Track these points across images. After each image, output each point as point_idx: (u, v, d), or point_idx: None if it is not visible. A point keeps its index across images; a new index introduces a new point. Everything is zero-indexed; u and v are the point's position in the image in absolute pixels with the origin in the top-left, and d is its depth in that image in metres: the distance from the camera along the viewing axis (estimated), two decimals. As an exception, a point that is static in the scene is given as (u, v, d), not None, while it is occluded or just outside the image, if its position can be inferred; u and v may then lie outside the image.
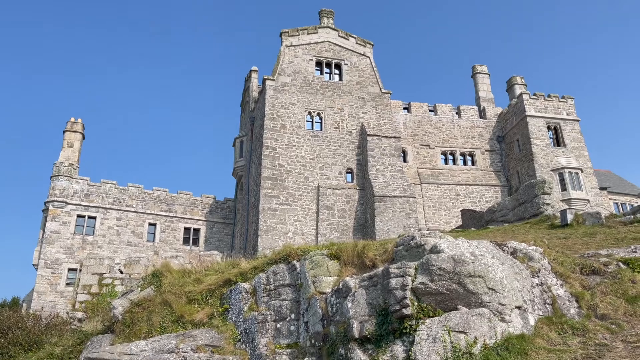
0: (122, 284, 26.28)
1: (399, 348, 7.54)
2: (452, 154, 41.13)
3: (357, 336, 8.10)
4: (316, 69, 37.30)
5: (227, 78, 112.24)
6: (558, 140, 39.33)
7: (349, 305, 8.52)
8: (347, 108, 36.36)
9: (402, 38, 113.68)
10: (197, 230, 40.57)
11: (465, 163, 41.10)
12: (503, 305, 7.61)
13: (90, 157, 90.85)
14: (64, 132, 40.58)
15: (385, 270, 8.24)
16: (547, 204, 24.78)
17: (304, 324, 9.95)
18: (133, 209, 38.74)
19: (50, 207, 36.23)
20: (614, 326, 7.98)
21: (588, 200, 36.11)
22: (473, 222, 28.90)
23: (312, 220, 32.84)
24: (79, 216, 37.09)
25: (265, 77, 35.88)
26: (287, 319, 10.34)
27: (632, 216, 16.48)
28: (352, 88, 37.17)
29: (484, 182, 40.04)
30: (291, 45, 37.26)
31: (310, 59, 37.25)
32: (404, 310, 7.63)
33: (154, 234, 39.01)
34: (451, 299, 7.65)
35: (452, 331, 7.23)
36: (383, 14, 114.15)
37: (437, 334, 7.21)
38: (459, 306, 7.63)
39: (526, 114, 39.22)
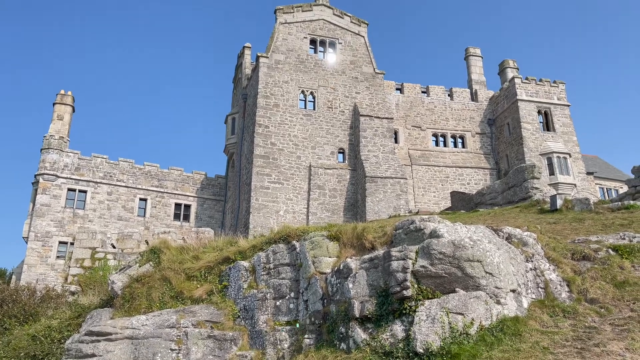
0: (115, 259, 26.44)
1: (398, 328, 7.86)
2: (443, 136, 41.47)
3: (357, 315, 8.41)
4: (310, 47, 37.13)
5: (219, 53, 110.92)
6: (548, 125, 39.81)
7: (350, 285, 8.81)
8: (341, 87, 36.36)
9: (396, 18, 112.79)
10: (187, 207, 40.68)
11: (455, 145, 41.51)
12: (499, 288, 7.95)
13: (81, 131, 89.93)
14: (54, 104, 40.08)
15: (386, 253, 8.51)
16: (536, 188, 25.26)
17: (304, 302, 10.24)
18: (124, 184, 38.66)
19: (41, 180, 36.02)
20: (602, 310, 8.37)
21: (575, 185, 36.80)
22: (462, 205, 29.36)
23: (303, 199, 33.11)
24: (69, 190, 36.96)
25: (259, 55, 35.66)
26: (287, 297, 10.63)
27: (619, 203, 16.95)
28: (346, 67, 37.11)
29: (474, 164, 40.53)
30: (285, 23, 36.95)
31: (304, 37, 37.03)
32: (405, 292, 7.94)
33: (145, 209, 39.06)
34: (450, 282, 7.97)
35: (450, 312, 7.56)
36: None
37: (436, 315, 7.54)
38: (457, 289, 7.95)
39: (517, 97, 39.56)
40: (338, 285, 9.31)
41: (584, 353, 7.07)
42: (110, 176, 38.62)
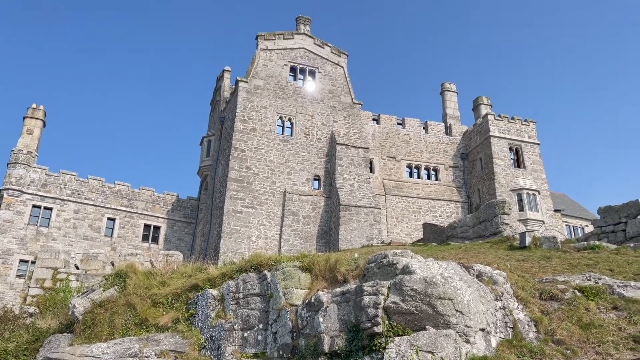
0: (78, 280, 25.60)
1: (367, 365, 7.76)
2: (417, 167, 42.02)
3: (327, 351, 8.28)
4: (290, 75, 37.47)
5: (197, 74, 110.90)
6: (518, 162, 40.79)
7: (321, 319, 8.69)
8: (318, 115, 36.65)
9: (375, 50, 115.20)
10: (157, 228, 39.92)
11: (429, 177, 42.06)
12: (469, 327, 7.95)
13: (50, 146, 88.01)
14: (24, 118, 39.24)
15: (359, 287, 8.45)
16: (506, 223, 25.70)
17: (272, 334, 10.05)
18: (92, 202, 37.80)
19: (5, 195, 34.92)
20: (568, 352, 8.44)
21: (543, 222, 37.57)
22: (434, 237, 29.60)
23: (276, 225, 32.89)
24: (34, 206, 35.92)
25: (239, 79, 35.78)
26: (255, 329, 10.41)
27: (585, 242, 17.33)
28: (325, 96, 37.51)
29: (446, 197, 41.06)
30: (267, 49, 37.30)
31: (284, 64, 37.38)
32: (375, 328, 7.87)
33: (113, 229, 38.17)
34: (420, 319, 7.94)
35: (420, 350, 7.50)
36: (358, 26, 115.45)
37: (406, 353, 7.47)
38: (427, 326, 7.92)
39: (490, 134, 40.51)
40: (308, 318, 9.18)
41: (551, 396, 7.08)
42: (78, 194, 37.72)
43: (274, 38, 37.86)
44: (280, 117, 35.84)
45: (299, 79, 37.64)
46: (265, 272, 10.98)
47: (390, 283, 8.23)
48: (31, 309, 23.20)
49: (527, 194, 38.39)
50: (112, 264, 27.18)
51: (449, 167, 42.65)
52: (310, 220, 33.45)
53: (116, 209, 38.42)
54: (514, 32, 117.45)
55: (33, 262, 32.71)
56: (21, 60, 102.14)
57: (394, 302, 7.95)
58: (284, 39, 38.17)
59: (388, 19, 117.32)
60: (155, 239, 39.29)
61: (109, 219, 38.08)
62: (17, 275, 33.39)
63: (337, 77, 38.59)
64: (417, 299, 7.90)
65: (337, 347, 8.18)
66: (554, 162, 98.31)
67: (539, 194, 38.96)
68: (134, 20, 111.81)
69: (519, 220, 36.61)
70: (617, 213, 19.56)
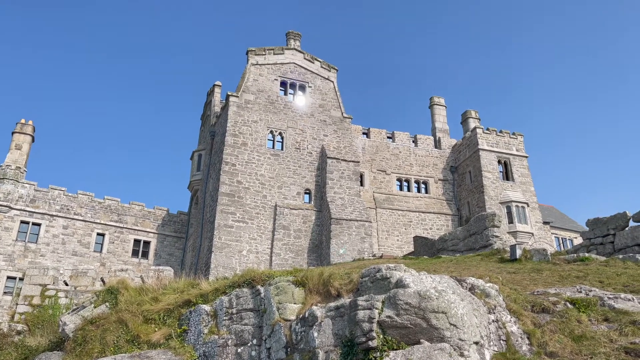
0: (67, 297, 25.25)
1: (362, 379, 7.76)
2: (407, 180, 42.25)
3: (322, 366, 8.28)
4: (280, 89, 37.69)
5: (187, 89, 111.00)
6: (507, 175, 41.20)
7: (315, 334, 8.69)
8: (309, 130, 36.82)
9: (364, 64, 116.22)
10: (147, 243, 39.63)
11: (419, 190, 42.28)
12: (463, 340, 8.00)
13: (39, 162, 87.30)
14: (13, 133, 38.98)
15: (353, 302, 8.48)
16: (496, 236, 25.90)
17: (266, 350, 10.01)
18: (81, 218, 37.47)
19: (-8, 211, 34.51)
20: (561, 364, 8.51)
21: (532, 234, 37.86)
22: (425, 250, 29.71)
23: (267, 239, 32.82)
24: (22, 222, 35.53)
25: (229, 93, 35.90)
26: (249, 344, 10.37)
27: (574, 254, 17.52)
28: (315, 110, 37.72)
29: (436, 210, 41.28)
30: (257, 64, 37.52)
31: (275, 79, 37.60)
32: (370, 343, 7.88)
33: (102, 244, 37.84)
34: (415, 332, 7.97)
35: (415, 365, 7.53)
36: (347, 41, 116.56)
37: (401, 367, 7.49)
38: (421, 340, 7.95)
39: (479, 147, 40.92)
40: (303, 333, 9.17)
41: (545, 408, 7.12)
42: (68, 209, 37.40)
43: (264, 53, 38.11)
44: (271, 132, 35.96)
45: (290, 93, 37.86)
46: (259, 287, 10.97)
47: (385, 297, 8.27)
48: (19, 327, 22.81)
49: (516, 206, 38.72)
50: (102, 280, 26.86)
51: (439, 180, 42.94)
52: (301, 234, 33.42)
53: (106, 224, 38.11)
54: (501, 46, 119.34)
55: (21, 279, 32.24)
56: (9, 74, 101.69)
57: (389, 316, 7.98)
58: (275, 54, 38.44)
59: (377, 33, 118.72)
60: (145, 254, 38.97)
61: (98, 234, 37.75)
62: (5, 292, 32.88)
63: (327, 91, 38.87)
64: (412, 313, 7.94)
65: (332, 362, 8.18)
66: (542, 174, 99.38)
67: (528, 206, 39.32)
68: (124, 35, 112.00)
69: (509, 233, 36.89)
70: (605, 225, 19.80)
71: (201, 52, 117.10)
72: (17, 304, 25.98)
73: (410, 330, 8.00)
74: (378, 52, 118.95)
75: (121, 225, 38.68)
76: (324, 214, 34.03)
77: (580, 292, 11.16)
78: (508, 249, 19.94)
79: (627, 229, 18.93)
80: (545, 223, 41.47)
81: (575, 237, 44.37)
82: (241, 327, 10.70)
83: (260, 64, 37.62)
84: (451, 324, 7.99)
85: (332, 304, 9.02)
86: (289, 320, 9.80)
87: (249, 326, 10.60)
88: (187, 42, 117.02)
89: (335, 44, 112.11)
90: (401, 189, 41.90)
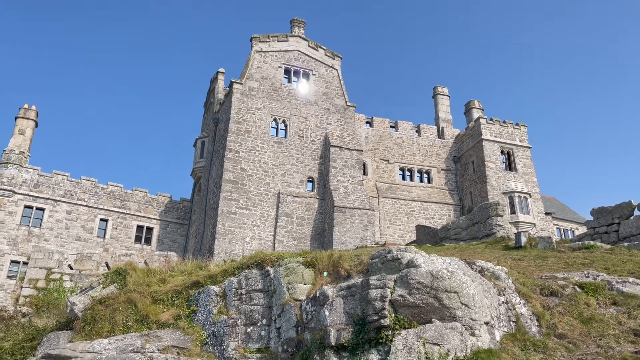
0: (72, 280, 25.38)
1: (374, 357, 7.83)
2: (410, 170, 42.24)
3: (333, 344, 8.34)
4: (284, 77, 37.56)
5: (190, 76, 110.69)
6: (510, 165, 41.17)
7: (327, 313, 8.76)
8: (312, 118, 36.75)
9: (368, 53, 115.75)
10: (150, 229, 39.71)
11: (421, 180, 42.28)
12: (474, 320, 8.06)
13: (43, 147, 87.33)
14: (16, 118, 38.91)
15: (365, 281, 8.53)
16: (500, 225, 25.94)
17: (276, 329, 10.09)
18: (85, 203, 37.52)
19: (-4, 196, 34.55)
20: (571, 345, 8.59)
21: (534, 225, 37.91)
22: (427, 238, 29.77)
23: (270, 226, 32.88)
24: (26, 207, 35.58)
25: (233, 80, 35.79)
26: (259, 324, 10.44)
27: (579, 242, 17.59)
28: (319, 98, 37.62)
29: (439, 199, 41.30)
30: (261, 51, 37.36)
31: (279, 66, 37.46)
32: (382, 321, 7.95)
33: (105, 230, 37.92)
34: (426, 312, 8.03)
35: (426, 343, 7.60)
36: (351, 30, 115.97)
37: (413, 345, 7.56)
38: (433, 319, 8.02)
39: (482, 137, 40.85)
40: (313, 312, 9.24)
41: (556, 386, 7.20)
42: (71, 194, 37.43)
43: (268, 40, 37.94)
44: (275, 119, 35.90)
45: (293, 81, 37.73)
46: (268, 268, 11.03)
47: (397, 277, 8.32)
48: (24, 309, 22.95)
49: (519, 196, 38.74)
50: (107, 265, 26.98)
51: (442, 170, 42.92)
52: (304, 222, 33.49)
53: (109, 210, 38.17)
54: (505, 36, 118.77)
55: (25, 263, 32.39)
56: (12, 60, 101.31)
57: (401, 295, 8.04)
58: (279, 41, 38.26)
59: (381, 22, 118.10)
60: (148, 240, 39.06)
61: (101, 219, 37.83)
62: (8, 276, 33.00)
63: (331, 79, 38.74)
64: (424, 292, 8.00)
65: (343, 340, 8.25)
66: (544, 165, 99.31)
67: (530, 197, 39.33)
68: (127, 22, 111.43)
69: (511, 223, 36.87)
70: (610, 214, 19.85)
71: (204, 39, 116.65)
72: (21, 287, 26.13)
73: (422, 310, 8.06)
74: (381, 41, 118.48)
75: (124, 211, 38.75)
76: (326, 202, 34.07)
77: (588, 277, 11.22)
78: (513, 236, 19.99)
79: (632, 217, 18.97)
80: (547, 214, 41.52)
81: (577, 229, 44.47)
82: (250, 307, 10.77)
83: (264, 51, 37.46)
84: (463, 304, 8.05)
85: (344, 284, 9.08)
86: (299, 300, 9.87)
87: (258, 306, 10.67)
88: (190, 29, 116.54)
89: (338, 33, 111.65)
90: (404, 178, 41.90)
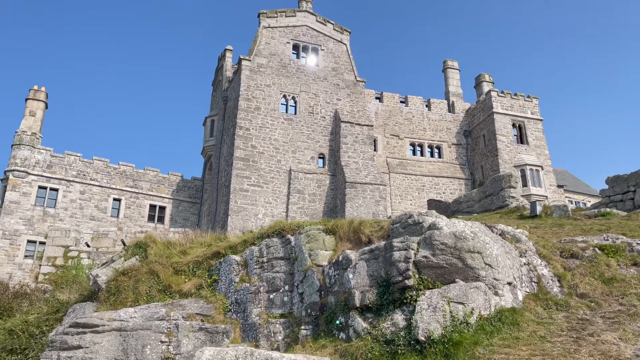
0: (89, 258, 25.84)
1: (399, 317, 7.96)
2: (421, 145, 42.09)
3: (358, 305, 8.47)
4: (293, 53, 37.29)
5: (197, 55, 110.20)
6: (521, 138, 40.88)
7: (350, 276, 8.88)
8: (322, 94, 36.58)
9: (376, 28, 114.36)
10: (162, 208, 40.08)
11: (432, 155, 42.15)
12: (497, 280, 8.15)
13: (54, 128, 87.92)
14: (26, 100, 39.08)
15: (388, 243, 8.62)
16: (513, 197, 25.88)
17: (299, 295, 10.25)
18: (97, 183, 37.86)
19: (11, 177, 34.94)
20: (593, 304, 8.67)
21: (546, 197, 37.78)
22: (439, 212, 29.80)
23: (282, 203, 33.04)
24: (40, 187, 35.96)
25: (242, 57, 35.59)
26: (281, 290, 10.61)
27: (595, 210, 17.57)
28: (328, 74, 37.38)
29: (449, 174, 41.22)
30: (269, 27, 37.05)
31: (287, 42, 37.18)
32: (407, 282, 8.05)
33: (119, 209, 38.31)
34: (450, 272, 8.12)
35: (451, 302, 7.70)
36: (358, 3, 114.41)
37: (438, 304, 7.67)
38: (456, 279, 8.11)
39: (493, 110, 40.51)
40: (336, 276, 9.37)
41: (580, 342, 7.30)
42: (84, 175, 37.76)
43: (276, 16, 37.58)
44: (284, 96, 35.77)
45: (302, 56, 37.46)
46: (289, 236, 11.15)
47: (420, 238, 8.40)
48: (44, 286, 23.42)
49: (531, 169, 38.56)
50: (123, 242, 27.39)
51: (452, 144, 42.72)
52: (315, 198, 33.61)
53: (122, 190, 38.51)
54: (514, 8, 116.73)
55: (42, 243, 32.89)
56: (21, 40, 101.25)
57: (425, 257, 8.12)
58: (286, 16, 37.89)
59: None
60: (161, 219, 39.45)
61: (114, 199, 38.19)
62: (25, 256, 33.55)
63: (340, 54, 38.43)
64: (447, 253, 8.07)
65: (368, 301, 8.38)
66: (555, 139, 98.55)
67: (542, 169, 39.13)
68: (136, 6, 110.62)
69: (523, 196, 36.86)
70: (626, 182, 19.74)
71: (210, 16, 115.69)
72: (40, 265, 26.62)
73: (446, 270, 8.14)
74: (389, 15, 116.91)
75: (137, 190, 39.07)
76: (338, 178, 34.12)
77: (607, 240, 11.25)
78: (527, 206, 19.98)
79: (648, 185, 18.85)
80: (559, 186, 41.33)
81: (589, 201, 44.28)
82: (272, 274, 10.93)
83: (272, 27, 37.14)
84: (486, 264, 8.13)
85: (366, 248, 9.18)
86: (321, 266, 10.00)
87: (280, 273, 10.83)
88: (197, 7, 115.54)
89: (346, 7, 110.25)
90: (414, 153, 41.78)
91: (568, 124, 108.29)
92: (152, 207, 39.60)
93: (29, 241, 34.06)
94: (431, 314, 7.61)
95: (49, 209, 35.74)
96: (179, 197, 40.78)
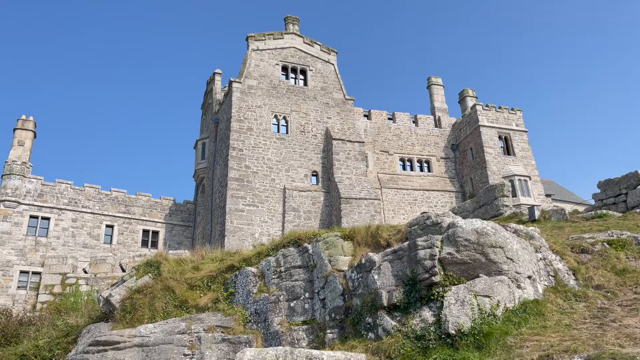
0: (87, 284, 25.54)
1: (427, 313, 8.19)
2: (410, 160, 42.70)
3: (385, 304, 8.68)
4: (282, 74, 37.88)
5: (184, 80, 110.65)
6: (508, 150, 41.78)
7: (376, 277, 9.10)
8: (312, 112, 37.10)
9: (362, 46, 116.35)
10: (155, 233, 39.83)
11: (422, 169, 42.76)
12: (519, 273, 8.45)
13: (44, 156, 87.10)
14: (15, 130, 38.87)
15: (412, 243, 8.89)
16: (506, 205, 26.38)
17: (320, 301, 10.40)
18: (89, 210, 37.57)
19: (2, 207, 34.55)
20: (609, 294, 9.01)
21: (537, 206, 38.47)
22: (434, 224, 30.21)
23: (278, 221, 33.15)
24: (31, 217, 35.57)
25: (232, 80, 36.04)
26: (301, 298, 10.76)
27: (592, 212, 18.09)
28: (317, 93, 37.98)
29: (440, 187, 41.80)
30: (258, 50, 37.65)
31: (276, 64, 37.78)
32: (433, 278, 8.31)
33: (112, 236, 37.99)
34: (474, 267, 8.41)
35: (478, 295, 7.97)
36: (343, 25, 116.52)
37: (465, 298, 7.92)
38: (480, 274, 8.39)
39: (479, 124, 41.42)
40: (360, 279, 9.58)
41: (604, 327, 7.60)
42: (75, 202, 37.46)
43: (264, 38, 38.24)
44: (275, 116, 36.19)
45: (291, 77, 38.06)
46: (306, 244, 11.35)
47: (443, 236, 8.69)
48: (43, 315, 23.06)
49: (519, 180, 39.32)
50: (121, 266, 27.18)
51: (441, 158, 43.43)
52: (311, 215, 33.80)
53: (114, 216, 38.24)
54: (495, 24, 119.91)
55: (35, 273, 32.44)
56: (8, 68, 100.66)
57: (449, 253, 8.40)
58: (274, 39, 38.57)
59: (372, 17, 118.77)
60: (154, 244, 39.16)
61: (107, 226, 37.89)
62: (19, 287, 32.98)
63: (328, 74, 39.12)
64: (471, 249, 8.37)
65: (395, 300, 8.59)
66: (539, 150, 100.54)
67: (530, 179, 39.94)
68: (122, 27, 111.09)
69: (513, 206, 37.55)
70: (617, 185, 20.37)
71: (198, 40, 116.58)
72: (37, 294, 26.21)
73: (470, 266, 8.43)
74: (374, 33, 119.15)
75: (129, 216, 38.83)
76: (332, 195, 34.42)
77: (612, 236, 11.66)
78: (525, 211, 20.46)
79: (639, 187, 19.47)
80: (547, 195, 42.18)
81: (577, 209, 45.12)
82: (291, 283, 11.08)
83: (260, 50, 37.75)
84: (508, 258, 8.44)
85: (389, 250, 9.44)
86: (342, 271, 10.20)
87: (299, 281, 10.99)
88: (183, 32, 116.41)
89: (331, 28, 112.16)
90: (404, 168, 42.34)
91: (551, 135, 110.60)
92: (145, 232, 39.35)
93: (21, 272, 33.51)
94: (459, 308, 7.86)
95: (41, 238, 35.31)
96: (171, 221, 40.61)
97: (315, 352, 7.40)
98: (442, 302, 8.09)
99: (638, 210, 16.82)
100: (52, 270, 25.95)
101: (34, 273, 32.75)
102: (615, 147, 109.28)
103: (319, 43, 39.65)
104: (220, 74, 42.55)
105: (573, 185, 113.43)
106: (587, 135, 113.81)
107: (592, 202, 23.06)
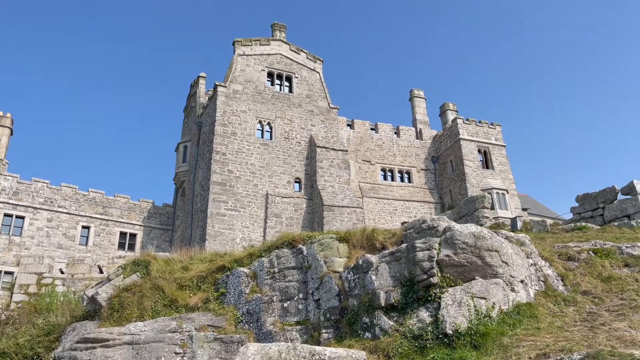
0: (64, 285, 24.97)
1: (424, 313, 8.36)
2: (391, 170, 43.18)
3: (383, 304, 8.82)
4: (267, 80, 37.99)
5: (166, 82, 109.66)
6: (487, 163, 42.63)
7: (373, 277, 9.24)
8: (297, 120, 37.26)
9: (346, 56, 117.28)
10: (133, 235, 39.25)
11: (402, 180, 43.27)
12: (513, 277, 8.71)
13: (21, 155, 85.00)
14: (-9, 125, 37.96)
15: (410, 245, 9.07)
16: (487, 217, 27.00)
17: (314, 301, 10.48)
18: (66, 210, 36.84)
19: (-25, 204, 33.58)
20: (596, 299, 9.33)
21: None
22: (415, 234, 30.59)
23: (259, 227, 33.07)
24: (5, 215, 34.71)
25: (217, 83, 35.98)
26: (295, 299, 10.81)
27: (572, 224, 18.62)
28: (302, 101, 38.18)
29: (420, 198, 42.34)
30: (244, 55, 37.71)
31: (262, 70, 37.88)
32: (431, 279, 8.49)
33: (88, 237, 37.30)
34: (470, 270, 8.62)
35: (474, 297, 8.18)
36: (330, 34, 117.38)
37: (462, 299, 8.12)
38: (476, 277, 8.61)
39: (460, 137, 42.21)
40: (356, 280, 9.70)
41: (595, 330, 7.89)
42: (51, 202, 36.70)
43: (250, 44, 38.32)
44: (260, 121, 36.22)
45: (277, 83, 38.21)
46: (300, 246, 11.43)
47: (441, 239, 8.90)
48: (16, 315, 22.47)
49: (497, 193, 40.12)
50: (99, 268, 26.69)
51: (421, 169, 44.04)
52: (293, 222, 33.82)
53: (91, 217, 37.57)
54: (476, 40, 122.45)
55: (7, 273, 31.60)
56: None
57: (447, 255, 8.61)
58: (261, 44, 38.70)
59: (357, 27, 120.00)
60: (131, 247, 38.59)
61: (83, 227, 37.18)
62: (-11, 287, 31.99)
63: (313, 82, 39.39)
64: (468, 252, 8.59)
65: (393, 300, 8.74)
66: (515, 164, 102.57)
67: (508, 193, 40.79)
68: (104, 27, 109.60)
69: (493, 218, 38.29)
70: (595, 199, 21.02)
71: (181, 43, 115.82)
72: (12, 294, 25.52)
73: (466, 268, 8.64)
74: (357, 44, 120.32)
75: (107, 217, 38.20)
76: (315, 202, 34.53)
77: (596, 245, 12.07)
78: (507, 222, 20.92)
79: (615, 201, 20.14)
80: (523, 209, 43.08)
81: (557, 222, 46.12)
82: (285, 284, 11.13)
83: (247, 55, 37.82)
84: (503, 262, 8.69)
85: (386, 251, 9.60)
86: (337, 272, 10.31)
87: (293, 282, 11.05)
88: (167, 35, 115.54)
89: (318, 38, 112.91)
90: (385, 178, 42.79)
91: (527, 150, 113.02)
92: (123, 234, 38.75)
93: (-7, 271, 32.56)
94: (457, 308, 8.05)
95: (15, 237, 34.44)
96: (150, 224, 40.08)
97: (317, 348, 7.48)
98: (440, 303, 8.27)
99: (615, 223, 17.39)
100: (27, 269, 25.30)
101: (6, 273, 31.88)
102: (590, 163, 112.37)
103: (305, 51, 39.94)
104: (204, 77, 42.43)
105: (547, 200, 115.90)
106: (563, 151, 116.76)
107: (566, 217, 23.74)
